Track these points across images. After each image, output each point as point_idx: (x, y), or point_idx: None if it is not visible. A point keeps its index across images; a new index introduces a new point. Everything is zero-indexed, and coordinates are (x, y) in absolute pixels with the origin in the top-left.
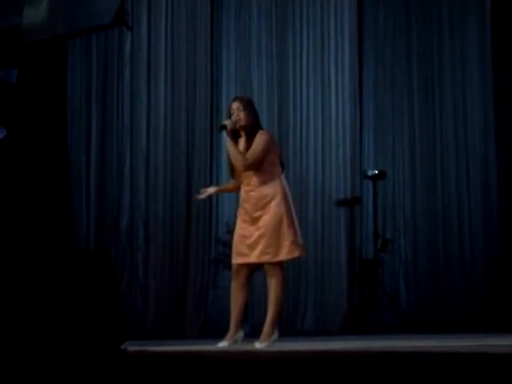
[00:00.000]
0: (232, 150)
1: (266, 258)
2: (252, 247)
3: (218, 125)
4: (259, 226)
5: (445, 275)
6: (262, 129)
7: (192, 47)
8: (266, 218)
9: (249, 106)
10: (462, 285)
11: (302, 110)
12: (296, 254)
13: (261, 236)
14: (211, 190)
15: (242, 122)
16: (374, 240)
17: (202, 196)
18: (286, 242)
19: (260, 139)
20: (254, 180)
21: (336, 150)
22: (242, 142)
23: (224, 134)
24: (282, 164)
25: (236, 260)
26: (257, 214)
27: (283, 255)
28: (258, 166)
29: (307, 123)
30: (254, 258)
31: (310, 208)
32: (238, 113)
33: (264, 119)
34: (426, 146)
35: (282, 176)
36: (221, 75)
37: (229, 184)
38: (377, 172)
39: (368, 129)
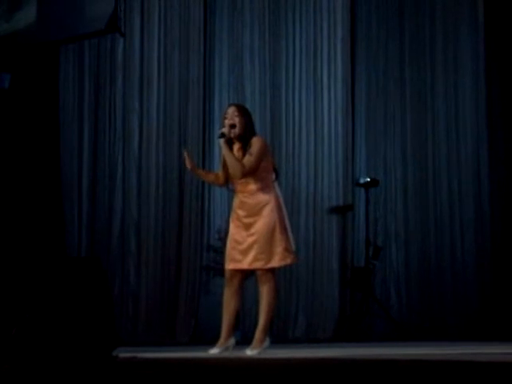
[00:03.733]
0: (229, 158)
1: (258, 265)
2: (244, 253)
3: (217, 133)
4: (252, 233)
5: (436, 283)
6: (255, 134)
7: (185, 54)
8: (259, 225)
9: (244, 112)
10: (453, 292)
11: (295, 118)
12: (288, 261)
13: (253, 242)
14: (193, 163)
15: (237, 130)
16: (365, 247)
17: (187, 158)
18: (279, 248)
19: (256, 145)
20: (249, 188)
21: (328, 158)
22: (235, 149)
23: (220, 142)
24: (275, 171)
25: (228, 265)
26: (250, 219)
27: (275, 262)
28: (253, 173)
29: (299, 131)
30: (246, 264)
31: (302, 215)
32: (233, 117)
33: (257, 127)
34: (418, 154)
35: (276, 183)
36: (213, 82)
37: (211, 174)
38: (369, 180)
39: (360, 136)
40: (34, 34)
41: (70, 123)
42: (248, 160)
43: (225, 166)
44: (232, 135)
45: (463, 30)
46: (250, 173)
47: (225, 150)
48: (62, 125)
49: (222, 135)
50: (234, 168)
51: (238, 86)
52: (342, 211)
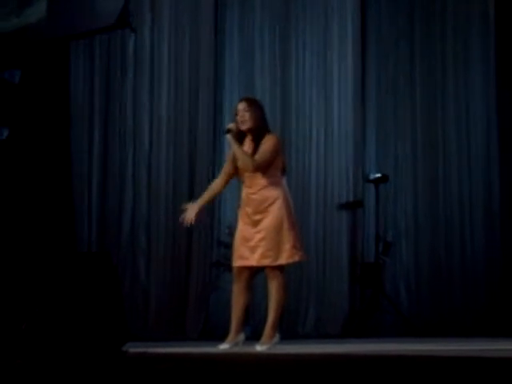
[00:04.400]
0: (238, 153)
1: (266, 262)
2: (253, 250)
3: (223, 128)
4: (260, 229)
5: (446, 279)
6: (269, 131)
7: (195, 49)
8: (267, 221)
9: (255, 106)
10: (462, 289)
11: (305, 115)
12: (296, 258)
13: (261, 239)
14: (193, 210)
15: (248, 124)
16: (375, 243)
17: (188, 220)
18: (287, 245)
19: (270, 142)
20: (258, 182)
21: (338, 154)
22: (247, 143)
23: (228, 137)
24: (283, 168)
25: (236, 263)
26: (258, 216)
27: (283, 259)
28: (265, 169)
29: (310, 127)
30: (254, 261)
31: (312, 211)
32: (243, 113)
33: None
34: (428, 150)
35: (284, 180)
36: (224, 77)
37: (208, 194)
38: (379, 175)
39: (370, 132)
40: (45, 30)
41: (80, 119)
42: (260, 156)
43: (232, 162)
44: (243, 128)
45: (474, 29)
46: (262, 169)
47: (233, 145)
48: (73, 121)
49: (228, 131)
50: (244, 162)
51: (249, 82)
52: (352, 207)
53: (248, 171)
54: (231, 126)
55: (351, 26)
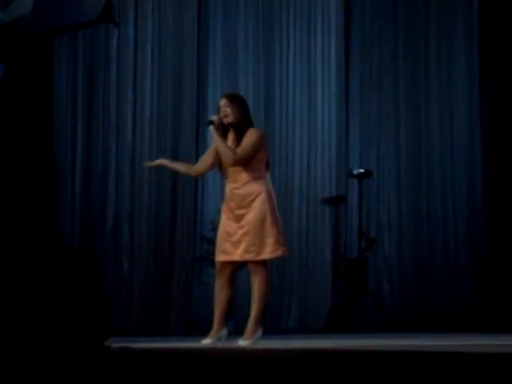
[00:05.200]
0: (220, 145)
1: (249, 257)
2: (235, 245)
3: (205, 121)
4: (243, 224)
5: (429, 274)
6: (252, 126)
7: (179, 45)
8: (250, 216)
9: (236, 101)
10: (446, 284)
11: (289, 110)
12: (279, 252)
13: (244, 234)
14: (162, 160)
15: (229, 118)
16: (358, 239)
17: (150, 164)
18: (270, 240)
19: (252, 136)
20: (241, 177)
21: (322, 149)
22: (230, 137)
23: (210, 128)
24: (267, 163)
25: (219, 257)
26: (241, 211)
27: (266, 254)
28: (246, 163)
29: (293, 123)
30: (237, 256)
31: (295, 206)
32: (224, 109)
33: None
34: (411, 146)
35: (267, 175)
36: (207, 73)
37: (182, 164)
38: (362, 171)
39: (354, 128)
40: (29, 24)
41: (63, 113)
42: (242, 149)
43: (212, 155)
44: (226, 122)
45: (457, 24)
46: (242, 162)
47: (215, 137)
48: (56, 115)
49: (211, 122)
50: (225, 155)
51: (232, 76)
52: (335, 202)
53: (229, 164)
54: (214, 117)
55: (335, 22)
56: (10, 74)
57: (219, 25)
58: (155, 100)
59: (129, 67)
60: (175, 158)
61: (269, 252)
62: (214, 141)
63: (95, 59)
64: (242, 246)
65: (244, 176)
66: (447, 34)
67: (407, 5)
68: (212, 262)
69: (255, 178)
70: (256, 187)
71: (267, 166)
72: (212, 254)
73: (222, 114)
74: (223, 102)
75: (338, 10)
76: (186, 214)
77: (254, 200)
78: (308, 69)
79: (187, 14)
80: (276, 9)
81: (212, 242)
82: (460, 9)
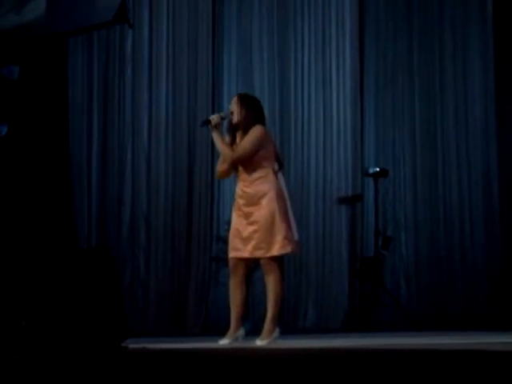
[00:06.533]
0: (218, 144)
1: (258, 254)
2: (245, 242)
3: (202, 120)
4: (252, 222)
5: (446, 273)
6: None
7: (193, 46)
8: (259, 214)
9: (244, 102)
10: (463, 282)
11: (304, 109)
12: (288, 249)
13: (254, 231)
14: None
15: (234, 118)
16: (375, 238)
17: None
18: (279, 237)
19: (252, 133)
20: (249, 176)
21: (337, 148)
22: (238, 136)
23: (210, 128)
24: (278, 161)
25: (231, 254)
26: (249, 209)
27: (275, 251)
28: (247, 161)
29: (309, 122)
30: (247, 253)
31: (311, 206)
32: (233, 107)
33: (265, 118)
34: (427, 144)
35: (280, 173)
36: (222, 74)
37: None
38: (378, 170)
39: (369, 127)
40: (43, 26)
41: (79, 115)
42: (239, 147)
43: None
44: (232, 121)
45: (472, 24)
46: (242, 160)
47: (213, 136)
48: (71, 117)
49: (208, 122)
50: (223, 154)
51: (247, 77)
52: (351, 201)
53: (227, 163)
54: (212, 117)
55: (349, 20)
56: (25, 76)
57: (234, 24)
58: (170, 100)
59: (144, 68)
60: (191, 157)
61: (278, 248)
62: (214, 141)
63: (110, 60)
64: (252, 243)
65: (253, 174)
66: (462, 31)
67: (421, 2)
68: (228, 262)
69: (263, 177)
70: (265, 186)
71: (280, 164)
72: (228, 254)
73: (230, 112)
74: (233, 100)
75: (353, 11)
76: (203, 214)
77: (262, 198)
78: (323, 69)
79: (202, 14)
80: (290, 9)
81: (228, 242)
82: (474, 5)
